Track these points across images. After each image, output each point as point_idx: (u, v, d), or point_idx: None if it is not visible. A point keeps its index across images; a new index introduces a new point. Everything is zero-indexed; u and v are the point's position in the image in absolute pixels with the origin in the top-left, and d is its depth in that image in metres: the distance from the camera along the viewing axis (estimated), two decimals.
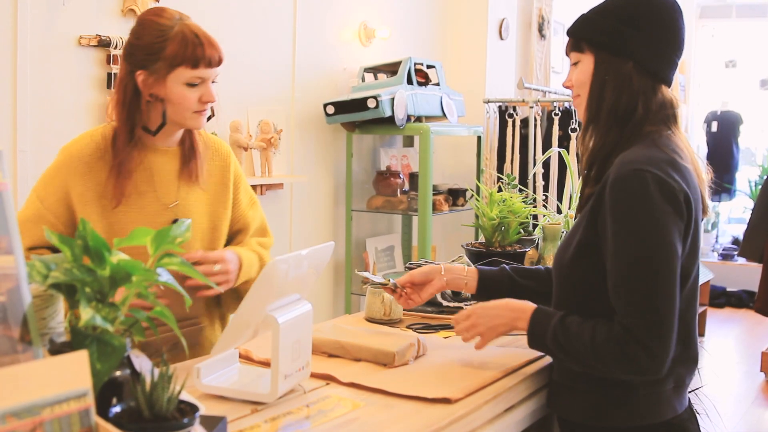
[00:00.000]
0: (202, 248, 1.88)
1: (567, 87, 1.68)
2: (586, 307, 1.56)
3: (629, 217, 1.45)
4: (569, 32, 1.65)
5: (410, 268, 2.34)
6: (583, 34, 1.61)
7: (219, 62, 1.79)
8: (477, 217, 2.56)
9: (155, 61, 1.75)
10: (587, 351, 1.49)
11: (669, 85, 1.62)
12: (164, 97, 1.77)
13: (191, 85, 1.77)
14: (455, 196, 4.31)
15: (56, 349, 1.05)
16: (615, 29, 1.57)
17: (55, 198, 1.78)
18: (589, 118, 1.62)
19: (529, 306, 1.62)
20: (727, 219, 9.28)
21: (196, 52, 1.74)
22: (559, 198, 3.79)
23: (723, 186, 8.75)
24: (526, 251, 2.46)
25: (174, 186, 1.87)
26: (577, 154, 1.67)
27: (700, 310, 1.69)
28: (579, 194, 1.67)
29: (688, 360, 1.59)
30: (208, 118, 1.88)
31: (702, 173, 1.63)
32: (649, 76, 1.57)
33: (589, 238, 1.55)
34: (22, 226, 1.68)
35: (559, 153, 3.91)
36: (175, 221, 1.80)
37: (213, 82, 1.81)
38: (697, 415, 1.67)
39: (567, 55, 1.67)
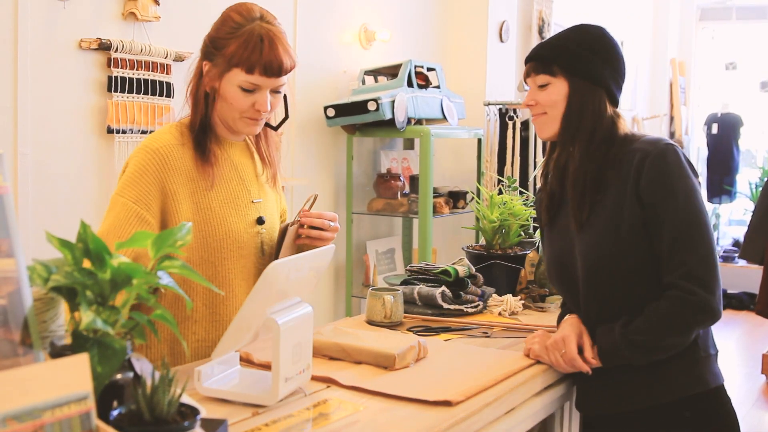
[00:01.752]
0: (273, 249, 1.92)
1: (529, 106, 1.81)
2: (622, 296, 1.70)
3: (678, 184, 1.65)
4: (537, 57, 1.79)
5: (411, 271, 2.35)
6: (557, 60, 1.76)
7: (280, 72, 1.72)
8: (477, 219, 2.56)
9: (217, 55, 1.74)
10: (666, 329, 1.64)
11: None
12: (218, 93, 1.76)
13: (245, 90, 1.73)
14: (456, 198, 4.31)
15: (57, 352, 1.05)
16: (591, 59, 1.75)
17: (149, 195, 1.71)
18: (564, 140, 1.78)
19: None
20: (727, 221, 9.28)
21: (252, 56, 1.69)
22: None
23: (723, 188, 8.75)
24: (526, 253, 2.46)
25: (256, 184, 1.90)
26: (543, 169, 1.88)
27: None
28: (573, 212, 1.76)
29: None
30: (277, 126, 1.91)
31: None
32: (611, 102, 1.79)
33: (636, 217, 1.67)
34: (118, 230, 1.68)
35: None
36: (260, 219, 1.88)
37: (277, 92, 1.78)
38: None
39: (530, 75, 1.80)
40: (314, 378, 1.56)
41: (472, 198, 3.92)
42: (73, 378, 0.91)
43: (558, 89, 1.76)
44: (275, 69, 1.71)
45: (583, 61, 1.74)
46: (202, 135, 1.79)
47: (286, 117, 1.92)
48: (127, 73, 2.90)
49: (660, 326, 1.64)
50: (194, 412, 1.03)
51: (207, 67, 1.77)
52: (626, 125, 1.80)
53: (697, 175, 1.71)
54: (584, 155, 1.74)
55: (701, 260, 1.62)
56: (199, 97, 1.79)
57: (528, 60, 1.81)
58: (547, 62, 1.76)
